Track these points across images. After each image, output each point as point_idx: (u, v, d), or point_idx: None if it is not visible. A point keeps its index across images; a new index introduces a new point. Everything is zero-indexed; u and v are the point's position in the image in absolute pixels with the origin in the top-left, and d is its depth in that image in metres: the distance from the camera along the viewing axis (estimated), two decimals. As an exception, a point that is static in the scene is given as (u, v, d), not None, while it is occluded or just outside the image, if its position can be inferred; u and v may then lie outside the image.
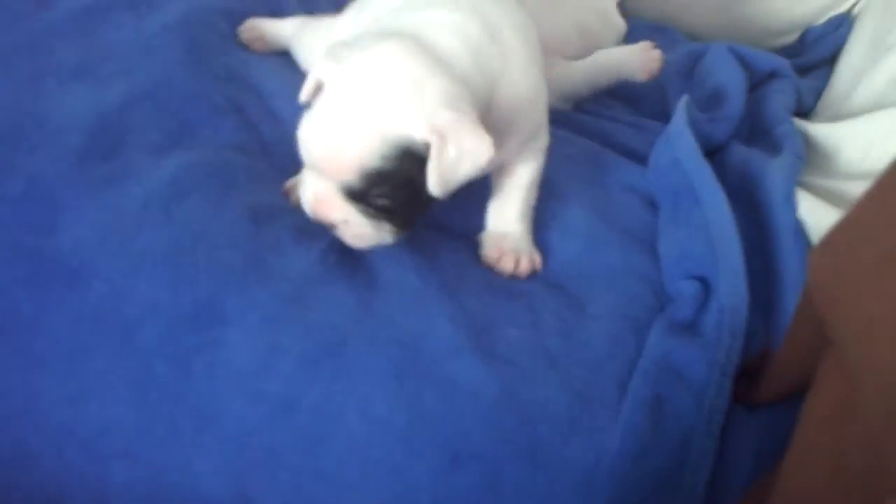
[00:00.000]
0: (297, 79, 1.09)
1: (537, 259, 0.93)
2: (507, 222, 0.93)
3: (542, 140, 0.94)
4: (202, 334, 0.75)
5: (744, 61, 1.32)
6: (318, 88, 0.79)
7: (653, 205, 1.03)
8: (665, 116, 1.16)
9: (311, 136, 0.78)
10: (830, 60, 1.52)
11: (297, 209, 0.85)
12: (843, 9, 1.66)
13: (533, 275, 0.92)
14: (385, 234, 0.81)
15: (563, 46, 1.31)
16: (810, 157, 1.13)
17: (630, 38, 1.59)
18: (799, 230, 0.96)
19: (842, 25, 1.60)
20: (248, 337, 0.76)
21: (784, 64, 1.34)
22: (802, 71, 1.51)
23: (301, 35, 1.13)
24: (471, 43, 0.82)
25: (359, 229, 0.80)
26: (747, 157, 1.08)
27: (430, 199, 0.78)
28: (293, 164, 0.94)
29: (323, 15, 1.13)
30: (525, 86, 0.86)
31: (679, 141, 1.01)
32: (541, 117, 0.93)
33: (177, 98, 0.97)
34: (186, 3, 1.13)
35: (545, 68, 0.93)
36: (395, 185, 0.77)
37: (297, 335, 0.76)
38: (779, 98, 1.25)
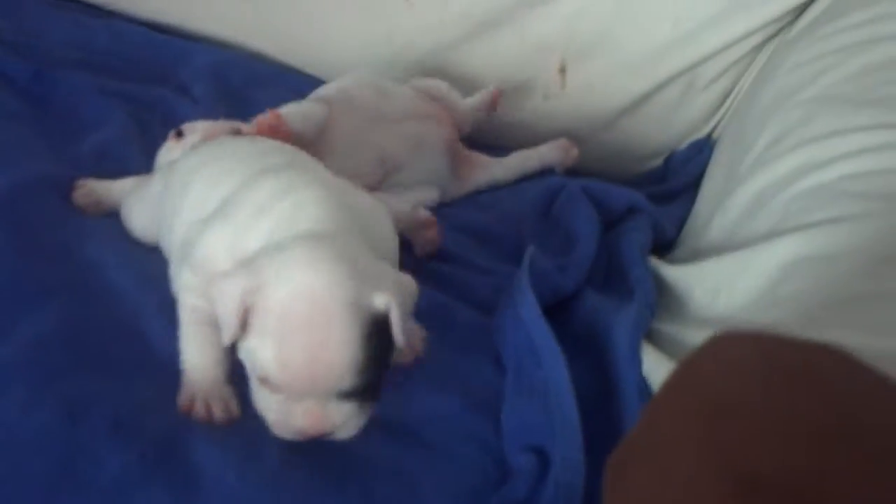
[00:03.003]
0: (136, 248, 1.07)
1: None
2: None
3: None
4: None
5: (599, 200, 1.32)
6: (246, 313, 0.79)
7: (501, 365, 1.01)
8: (521, 258, 1.15)
9: (293, 362, 0.77)
10: (695, 185, 1.54)
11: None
12: (703, 133, 1.70)
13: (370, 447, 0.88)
14: (368, 412, 0.83)
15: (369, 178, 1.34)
16: (663, 300, 1.13)
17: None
18: (644, 389, 0.94)
19: (703, 149, 1.63)
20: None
21: (640, 200, 1.35)
22: (667, 197, 1.53)
23: (130, 202, 1.13)
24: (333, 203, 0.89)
25: (354, 423, 0.81)
26: (597, 307, 1.08)
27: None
28: (127, 340, 0.92)
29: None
30: None
31: (521, 300, 1.00)
32: None
33: (-2, 286, 0.93)
34: (16, 175, 1.10)
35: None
36: (377, 362, 0.80)
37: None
38: (634, 237, 1.25)
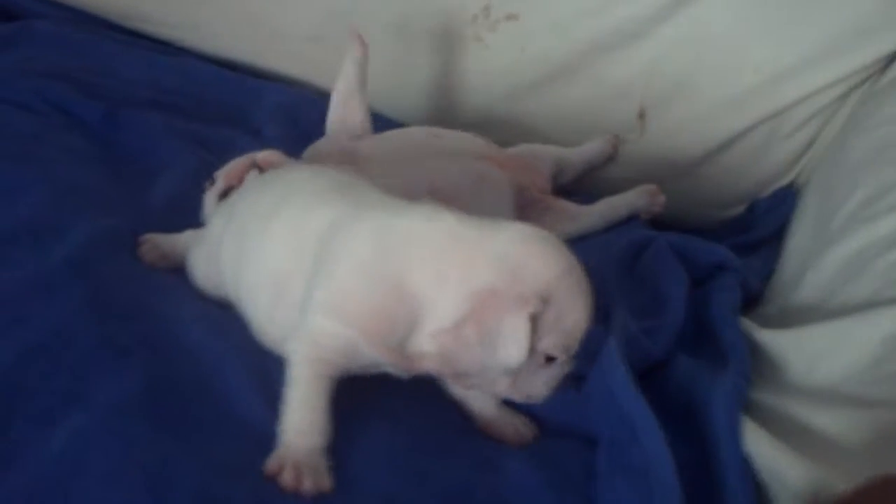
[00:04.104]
0: (209, 302, 1.04)
1: None
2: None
3: None
4: None
5: (686, 255, 1.28)
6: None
7: (589, 441, 0.97)
8: (608, 317, 1.11)
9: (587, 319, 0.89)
10: (779, 235, 1.50)
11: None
12: (786, 181, 1.66)
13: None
14: None
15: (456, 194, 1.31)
16: (756, 365, 1.08)
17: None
18: (745, 468, 0.89)
19: (787, 199, 1.58)
20: None
21: (729, 256, 1.31)
22: (750, 248, 1.49)
23: (192, 253, 1.11)
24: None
25: None
26: (691, 376, 1.03)
27: None
28: (208, 401, 0.89)
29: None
30: None
31: (612, 373, 0.95)
32: None
33: (76, 347, 0.89)
34: (91, 229, 1.08)
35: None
36: None
37: None
38: (725, 297, 1.20)
